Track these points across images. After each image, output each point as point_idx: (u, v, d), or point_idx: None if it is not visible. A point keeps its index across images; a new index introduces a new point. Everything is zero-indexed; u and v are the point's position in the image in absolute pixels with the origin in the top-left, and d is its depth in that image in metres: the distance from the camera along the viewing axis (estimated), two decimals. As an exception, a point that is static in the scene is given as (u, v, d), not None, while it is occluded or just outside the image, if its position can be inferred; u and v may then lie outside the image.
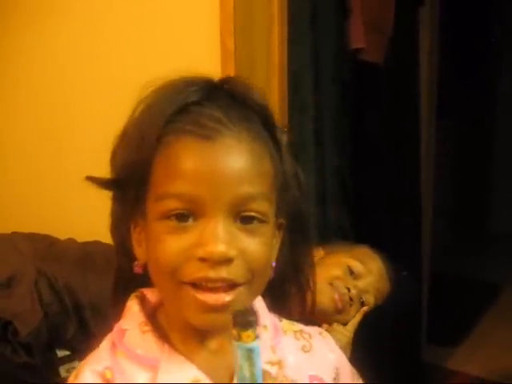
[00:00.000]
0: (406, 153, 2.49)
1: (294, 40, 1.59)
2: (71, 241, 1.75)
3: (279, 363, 0.67)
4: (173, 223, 0.60)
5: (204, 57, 1.46)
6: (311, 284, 0.75)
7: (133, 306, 0.68)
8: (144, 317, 0.66)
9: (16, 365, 1.39)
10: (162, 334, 0.65)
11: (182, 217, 0.60)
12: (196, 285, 0.59)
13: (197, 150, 0.60)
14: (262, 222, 0.62)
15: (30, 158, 2.07)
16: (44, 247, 1.67)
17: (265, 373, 0.58)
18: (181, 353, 0.64)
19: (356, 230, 2.04)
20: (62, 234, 1.82)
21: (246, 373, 0.55)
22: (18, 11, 2.05)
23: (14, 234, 1.78)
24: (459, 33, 3.42)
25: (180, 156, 0.60)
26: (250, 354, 0.54)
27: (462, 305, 3.17)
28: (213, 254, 0.58)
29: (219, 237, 0.58)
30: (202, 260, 0.58)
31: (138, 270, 0.67)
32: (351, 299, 1.32)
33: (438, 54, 2.79)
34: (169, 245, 0.60)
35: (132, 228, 0.67)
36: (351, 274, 1.33)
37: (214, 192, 0.59)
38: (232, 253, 0.59)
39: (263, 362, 0.63)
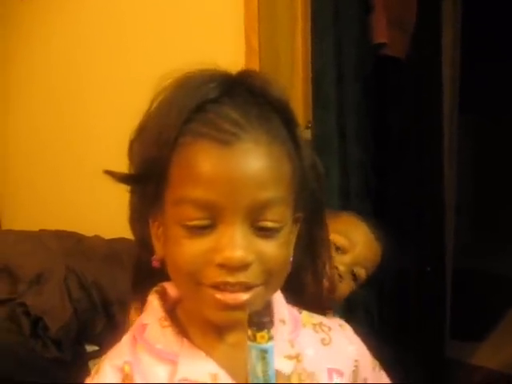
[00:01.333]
0: (428, 148, 2.47)
1: (317, 36, 1.59)
2: (98, 238, 1.77)
3: (297, 357, 0.67)
4: (191, 229, 0.60)
5: (229, 54, 1.47)
6: (328, 270, 0.76)
7: (153, 301, 0.68)
8: (164, 312, 0.67)
9: (47, 360, 1.42)
10: (182, 329, 0.66)
11: (200, 227, 0.60)
12: (214, 286, 0.60)
13: (214, 156, 0.59)
14: (278, 228, 0.62)
15: (56, 156, 2.10)
16: (72, 244, 1.69)
17: (278, 373, 0.58)
18: (199, 347, 0.65)
19: (379, 224, 2.04)
20: (87, 231, 1.84)
21: (259, 373, 0.56)
22: (33, 4, 2.08)
23: (42, 231, 1.81)
24: (482, 27, 3.39)
25: (198, 160, 0.59)
26: (263, 354, 0.55)
27: (485, 300, 3.15)
28: (231, 260, 0.58)
29: (237, 243, 0.59)
30: (221, 266, 0.59)
31: (156, 263, 0.67)
32: (340, 276, 1.26)
33: (460, 49, 2.77)
34: (187, 248, 0.60)
35: (151, 222, 0.67)
36: (337, 249, 1.26)
37: (231, 198, 0.59)
38: (249, 258, 0.59)
39: (282, 356, 0.65)
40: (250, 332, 0.55)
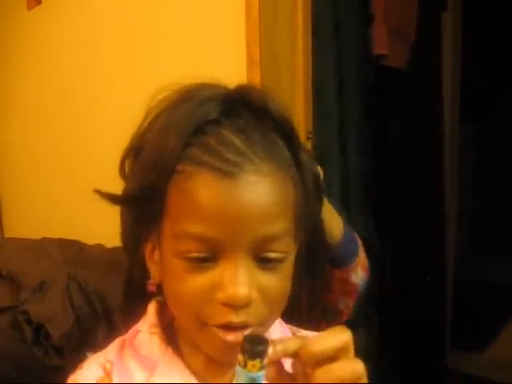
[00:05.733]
0: (429, 158, 2.49)
1: (317, 47, 1.60)
2: (100, 246, 1.78)
3: None
4: (192, 263, 0.58)
5: (230, 65, 1.48)
6: (325, 287, 0.74)
7: (150, 309, 0.68)
8: (156, 320, 0.67)
9: (48, 367, 1.42)
10: (172, 338, 0.66)
11: (201, 259, 0.58)
12: (219, 327, 0.59)
13: (216, 189, 0.56)
14: (282, 259, 0.60)
15: (59, 164, 2.11)
16: (74, 252, 1.70)
17: None
18: (185, 358, 0.65)
19: (380, 235, 2.05)
20: (90, 240, 1.85)
21: None
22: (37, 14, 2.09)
23: (45, 239, 1.82)
24: (482, 37, 3.41)
25: (199, 194, 0.56)
26: (252, 381, 0.52)
27: (485, 310, 3.15)
28: (235, 298, 0.56)
29: (240, 280, 0.56)
30: (224, 304, 0.57)
31: (152, 288, 0.66)
32: None
33: (460, 59, 2.79)
34: (189, 284, 0.58)
35: (144, 242, 0.65)
36: None
37: (234, 235, 0.56)
38: (253, 295, 0.57)
39: None
40: (241, 358, 0.52)
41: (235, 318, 0.57)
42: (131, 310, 0.71)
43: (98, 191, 0.64)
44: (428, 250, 2.46)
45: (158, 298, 0.69)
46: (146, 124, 0.63)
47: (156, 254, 0.64)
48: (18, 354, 1.43)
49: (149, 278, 0.66)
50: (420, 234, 2.40)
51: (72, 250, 1.72)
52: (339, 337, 0.53)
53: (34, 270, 1.59)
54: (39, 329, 1.44)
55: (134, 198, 0.61)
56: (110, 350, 0.68)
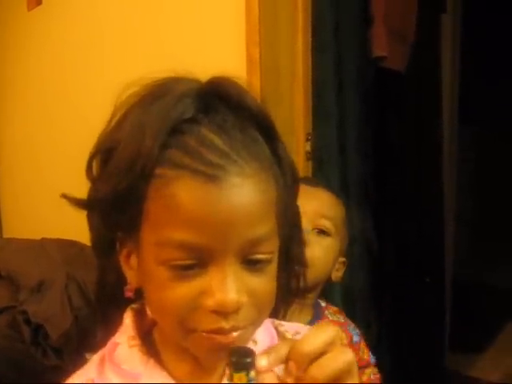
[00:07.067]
0: (428, 160, 2.49)
1: (317, 49, 1.61)
2: (99, 247, 1.78)
3: None
4: (176, 271, 0.55)
5: (230, 66, 1.48)
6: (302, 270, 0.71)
7: (126, 319, 0.65)
8: (133, 331, 0.64)
9: (46, 367, 1.42)
10: (153, 349, 0.64)
11: (186, 266, 0.55)
12: (208, 331, 0.57)
13: (201, 193, 0.53)
14: (270, 260, 0.58)
15: (60, 164, 2.11)
16: (73, 253, 1.70)
17: None
18: (169, 368, 0.62)
19: (378, 236, 2.05)
20: (89, 240, 1.85)
21: None
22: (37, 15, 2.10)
23: (44, 240, 1.82)
24: (481, 40, 3.42)
25: (182, 198, 0.53)
26: None
27: (484, 312, 3.15)
28: (225, 304, 0.54)
29: (229, 286, 0.55)
30: (213, 311, 0.55)
31: (129, 294, 0.64)
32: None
33: (460, 61, 2.80)
34: (175, 292, 0.55)
35: (118, 246, 0.62)
36: None
37: (221, 240, 0.54)
38: (243, 299, 0.56)
39: None
40: (227, 371, 0.51)
41: (225, 324, 0.55)
42: (106, 316, 0.68)
43: (64, 196, 0.61)
44: (427, 251, 2.47)
45: (134, 306, 0.66)
46: (114, 122, 0.60)
47: (133, 260, 0.61)
48: (16, 354, 1.43)
49: (125, 284, 0.63)
50: (419, 235, 2.40)
51: (72, 251, 1.72)
52: (327, 331, 0.53)
53: (33, 271, 1.59)
54: (38, 329, 1.44)
55: (106, 203, 0.58)
56: (90, 367, 0.65)
